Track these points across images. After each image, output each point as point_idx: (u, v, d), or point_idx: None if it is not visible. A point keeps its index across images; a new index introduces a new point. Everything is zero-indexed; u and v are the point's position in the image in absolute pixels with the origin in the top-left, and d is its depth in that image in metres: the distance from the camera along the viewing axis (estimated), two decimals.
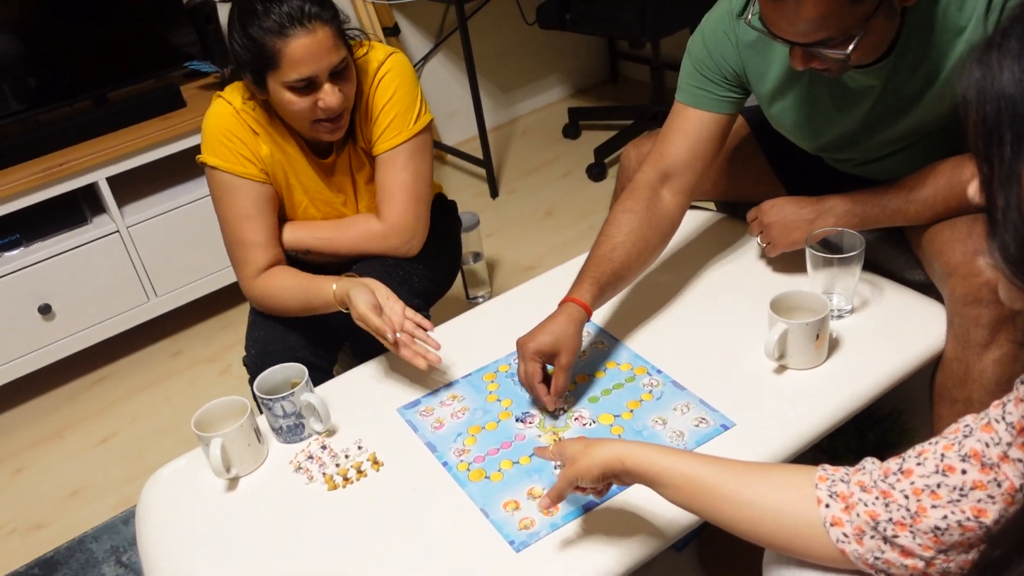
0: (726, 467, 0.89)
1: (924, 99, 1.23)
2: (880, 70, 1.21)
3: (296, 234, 1.59)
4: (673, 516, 1.04)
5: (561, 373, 1.24)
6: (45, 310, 2.25)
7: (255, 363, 1.54)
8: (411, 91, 1.55)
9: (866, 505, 0.79)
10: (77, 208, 2.34)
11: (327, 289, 1.43)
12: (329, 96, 1.42)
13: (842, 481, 0.83)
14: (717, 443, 1.17)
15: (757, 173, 1.61)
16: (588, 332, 1.42)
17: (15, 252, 2.23)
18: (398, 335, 1.31)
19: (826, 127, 1.34)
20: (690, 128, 1.38)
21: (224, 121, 1.50)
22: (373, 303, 1.33)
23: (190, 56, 2.44)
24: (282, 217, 1.61)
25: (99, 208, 2.37)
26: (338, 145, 1.57)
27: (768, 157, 1.60)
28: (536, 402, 1.28)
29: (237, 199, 1.52)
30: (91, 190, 2.30)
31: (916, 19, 1.16)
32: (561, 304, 1.30)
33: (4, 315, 2.21)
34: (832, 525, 0.81)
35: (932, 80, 1.21)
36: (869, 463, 0.83)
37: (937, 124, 1.27)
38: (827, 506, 0.82)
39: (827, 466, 0.86)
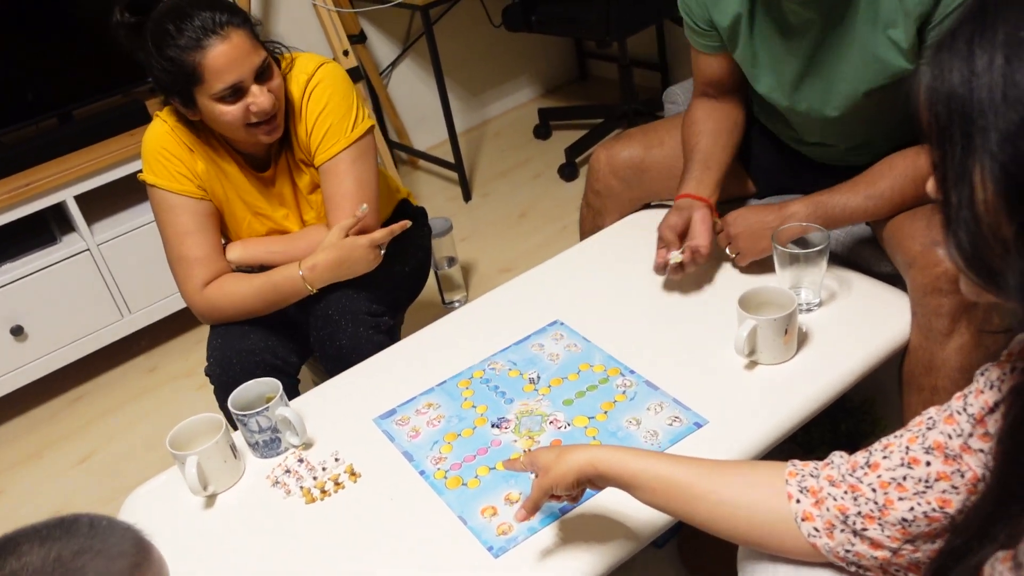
0: (698, 466, 0.91)
1: (866, 43, 1.26)
2: (814, 2, 1.26)
3: (248, 250, 1.60)
4: (650, 515, 1.05)
5: (663, 229, 1.40)
6: (17, 331, 2.23)
7: (215, 371, 1.54)
8: (345, 98, 1.56)
9: (835, 500, 0.81)
10: (46, 227, 2.32)
11: (292, 270, 1.49)
12: (259, 97, 1.43)
13: (811, 476, 0.84)
14: (691, 441, 1.18)
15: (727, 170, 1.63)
16: (561, 335, 1.42)
17: None
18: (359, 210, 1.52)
19: (779, 64, 1.39)
20: (709, 65, 1.54)
21: (160, 140, 1.52)
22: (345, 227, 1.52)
23: None
24: (224, 235, 1.62)
25: (68, 227, 2.35)
26: (275, 157, 1.58)
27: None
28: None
29: (176, 215, 1.53)
30: (59, 209, 2.28)
31: None
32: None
33: None
34: (803, 520, 0.82)
35: (874, 24, 1.24)
36: (837, 457, 0.85)
37: (888, 101, 1.30)
38: (798, 501, 0.83)
39: (796, 462, 0.87)
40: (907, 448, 0.77)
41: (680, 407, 1.23)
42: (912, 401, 1.32)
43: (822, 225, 1.34)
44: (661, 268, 1.42)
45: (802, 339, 1.30)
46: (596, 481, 0.95)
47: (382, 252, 1.57)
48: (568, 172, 3.00)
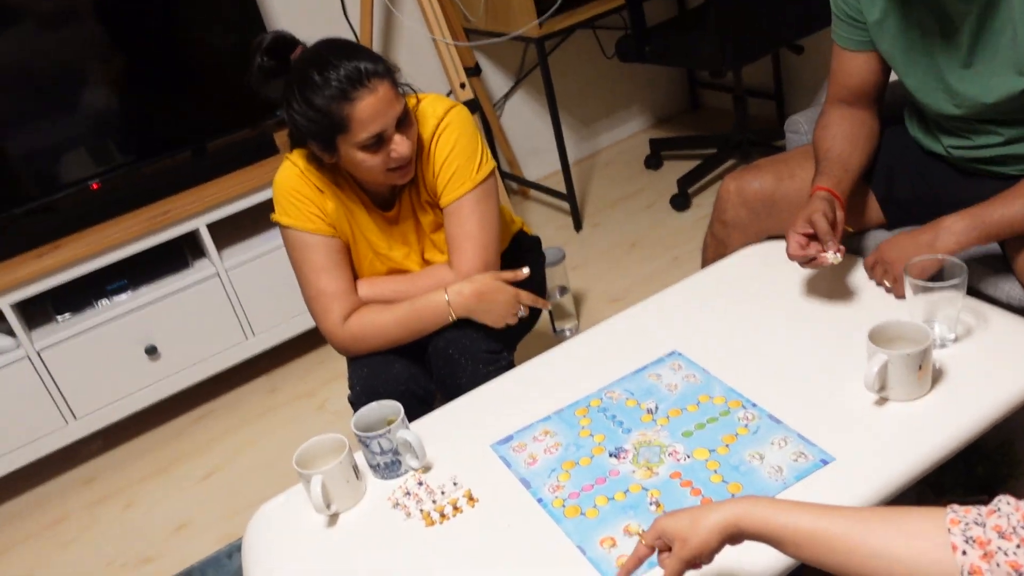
0: (847, 516, 0.86)
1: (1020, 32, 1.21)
2: None
3: (374, 288, 1.64)
4: (772, 556, 1.02)
5: (820, 218, 1.35)
6: (151, 351, 2.35)
7: (360, 399, 1.57)
8: (471, 141, 1.59)
9: (1007, 555, 0.76)
10: (180, 253, 2.45)
11: (438, 298, 1.53)
12: (400, 146, 1.47)
13: (976, 524, 0.79)
14: (817, 478, 1.14)
15: (855, 195, 1.58)
16: (680, 365, 1.41)
17: (123, 296, 2.35)
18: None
19: (934, 58, 1.35)
20: (852, 65, 1.51)
21: (292, 182, 1.58)
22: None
23: (280, 105, 2.53)
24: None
25: (199, 252, 2.47)
26: (399, 197, 1.62)
27: (867, 178, 1.58)
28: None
29: (311, 254, 1.58)
30: (192, 236, 2.40)
31: None
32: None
33: (114, 356, 2.32)
34: (970, 574, 0.78)
35: None
36: (1004, 504, 0.79)
37: None
38: (964, 553, 0.78)
39: (957, 507, 0.82)
40: None
41: (805, 443, 1.20)
42: None
43: (980, 239, 1.29)
44: (806, 261, 1.39)
45: (936, 377, 1.24)
46: (738, 539, 0.90)
47: (521, 315, 1.60)
48: (680, 203, 2.98)
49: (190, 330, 2.40)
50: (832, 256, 1.36)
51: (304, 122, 1.46)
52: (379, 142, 1.46)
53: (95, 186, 2.35)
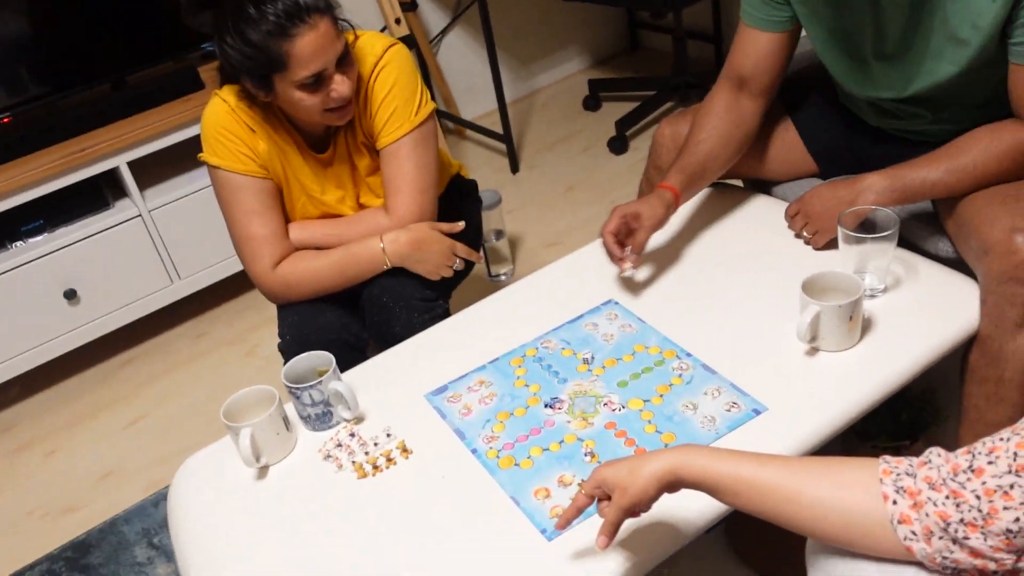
0: (783, 466, 0.87)
1: (950, 25, 1.21)
2: None
3: (306, 232, 1.59)
4: (704, 505, 1.03)
5: (642, 232, 1.38)
6: (70, 295, 2.26)
7: (290, 347, 1.54)
8: (411, 81, 1.54)
9: (936, 505, 0.77)
10: (99, 193, 2.34)
11: (373, 245, 1.50)
12: (341, 86, 1.42)
13: (908, 475, 0.81)
14: (749, 428, 1.15)
15: (788, 148, 1.58)
16: (616, 314, 1.40)
17: (39, 238, 2.24)
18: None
19: (862, 47, 1.35)
20: (754, 46, 1.46)
21: (221, 120, 1.50)
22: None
23: (207, 37, 2.41)
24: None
25: (121, 192, 2.37)
26: (334, 137, 1.56)
27: (800, 131, 1.57)
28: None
29: (241, 196, 1.52)
30: (112, 175, 2.30)
31: None
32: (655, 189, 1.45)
33: (31, 300, 2.22)
34: (900, 523, 0.79)
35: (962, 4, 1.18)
36: (935, 456, 0.81)
37: (977, 81, 1.25)
38: (894, 503, 0.80)
39: (889, 458, 0.84)
40: (1015, 454, 0.73)
41: (738, 392, 1.21)
42: (973, 392, 1.28)
43: (899, 200, 1.30)
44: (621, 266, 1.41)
45: (866, 326, 1.26)
46: (675, 487, 0.91)
47: (456, 268, 1.58)
48: (618, 146, 2.95)
49: (112, 273, 2.31)
50: (629, 269, 1.39)
51: (238, 58, 1.38)
52: (318, 81, 1.40)
53: (6, 120, 2.22)
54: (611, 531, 0.94)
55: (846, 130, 1.55)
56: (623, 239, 1.39)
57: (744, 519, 1.44)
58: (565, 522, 0.99)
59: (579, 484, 1.08)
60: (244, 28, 1.35)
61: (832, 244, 1.39)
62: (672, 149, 1.60)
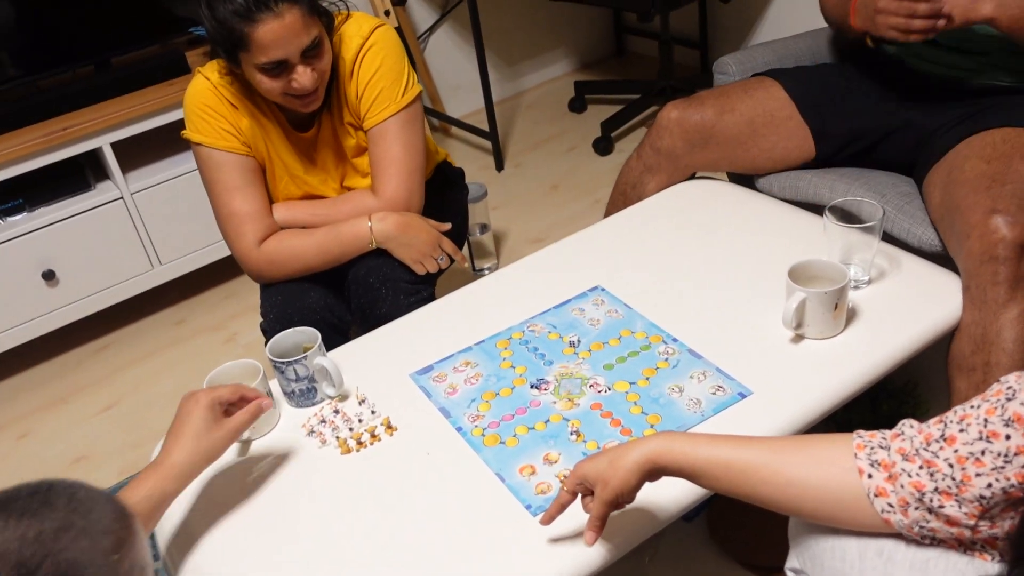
0: (760, 447, 0.87)
1: None
2: None
3: (291, 212, 1.58)
4: (682, 490, 1.03)
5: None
6: (48, 276, 2.23)
7: (273, 328, 1.53)
8: (398, 62, 1.53)
9: (910, 476, 0.78)
10: (81, 174, 2.31)
11: (361, 224, 1.50)
12: (302, 77, 1.40)
13: (881, 448, 0.81)
14: (734, 411, 1.16)
15: (792, 129, 1.60)
16: (602, 300, 1.40)
17: (18, 217, 2.21)
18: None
19: None
20: None
21: (203, 97, 1.49)
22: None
23: (194, 22, 2.41)
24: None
25: (103, 174, 2.34)
26: (318, 120, 1.55)
27: (802, 113, 1.60)
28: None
29: (223, 173, 1.51)
30: (95, 156, 2.27)
31: None
32: None
33: (7, 281, 2.19)
34: (876, 496, 0.80)
35: None
36: (908, 428, 0.82)
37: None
38: (870, 476, 0.81)
39: (863, 432, 0.84)
40: (985, 420, 0.75)
41: (724, 376, 1.21)
42: (961, 386, 1.30)
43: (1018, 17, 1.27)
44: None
45: (850, 316, 1.28)
46: (656, 475, 0.91)
47: (440, 261, 1.58)
48: (602, 147, 2.97)
49: (91, 256, 2.28)
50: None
51: (209, 28, 1.38)
52: (279, 68, 1.38)
53: None
54: (598, 526, 0.93)
55: (847, 113, 1.57)
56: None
57: (724, 508, 1.45)
58: (549, 518, 0.98)
59: (561, 477, 1.09)
60: (213, 4, 1.34)
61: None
62: (676, 134, 1.62)
